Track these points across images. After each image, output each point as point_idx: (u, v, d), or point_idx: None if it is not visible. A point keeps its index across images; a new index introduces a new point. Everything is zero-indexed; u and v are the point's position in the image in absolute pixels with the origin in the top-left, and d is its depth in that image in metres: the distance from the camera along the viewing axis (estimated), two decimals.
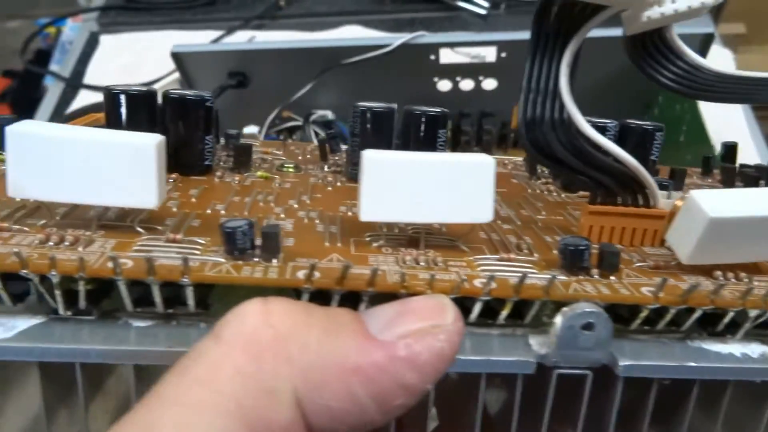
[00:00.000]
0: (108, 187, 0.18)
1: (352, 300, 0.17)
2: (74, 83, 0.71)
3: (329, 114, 0.61)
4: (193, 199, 0.22)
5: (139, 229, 0.19)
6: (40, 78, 0.78)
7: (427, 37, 0.59)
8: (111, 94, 0.24)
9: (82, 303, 0.17)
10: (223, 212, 0.21)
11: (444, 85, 0.61)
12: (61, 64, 0.75)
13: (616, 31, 0.57)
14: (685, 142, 0.61)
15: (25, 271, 0.16)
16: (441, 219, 0.19)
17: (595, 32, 0.59)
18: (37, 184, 0.17)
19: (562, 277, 0.18)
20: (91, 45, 0.75)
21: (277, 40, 0.68)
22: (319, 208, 0.22)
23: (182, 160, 0.25)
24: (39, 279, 0.16)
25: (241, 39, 0.73)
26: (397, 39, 0.58)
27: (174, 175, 0.25)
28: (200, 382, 0.14)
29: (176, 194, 0.23)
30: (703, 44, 0.56)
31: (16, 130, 0.17)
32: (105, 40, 0.76)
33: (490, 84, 0.61)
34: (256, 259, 0.17)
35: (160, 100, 0.25)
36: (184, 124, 0.24)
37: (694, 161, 0.36)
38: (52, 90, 0.71)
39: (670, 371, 0.18)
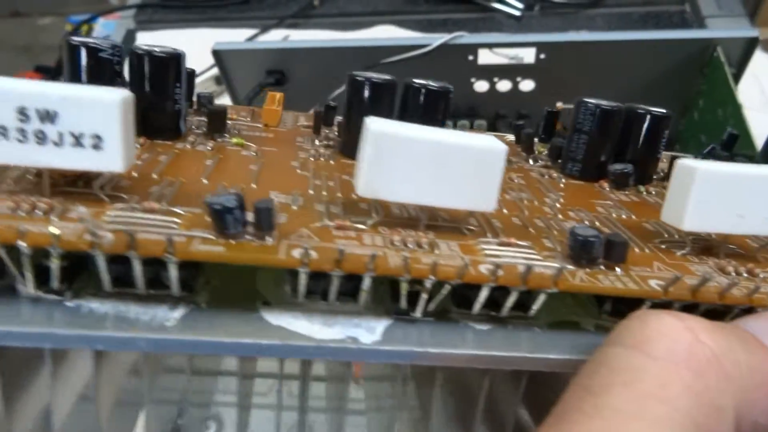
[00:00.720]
0: (452, 189, 0.17)
1: None
2: None
3: None
4: None
5: (467, 230, 0.19)
6: None
7: (466, 38, 0.59)
8: (355, 81, 0.24)
9: (432, 305, 0.17)
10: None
11: (481, 86, 0.61)
12: None
13: (657, 34, 0.58)
14: None
15: (406, 275, 0.16)
16: (758, 231, 0.19)
17: (636, 35, 0.58)
18: (389, 184, 0.17)
19: None
20: (128, 42, 0.74)
21: (315, 39, 0.67)
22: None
23: None
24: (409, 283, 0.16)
25: (276, 38, 0.73)
26: (436, 39, 0.58)
27: None
28: (655, 398, 0.14)
29: None
30: (747, 48, 0.57)
31: (377, 130, 0.17)
32: (142, 37, 0.75)
33: (527, 85, 0.61)
34: (602, 267, 0.18)
35: None
36: (427, 116, 0.24)
37: None
38: None
39: None
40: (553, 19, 0.72)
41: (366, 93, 0.23)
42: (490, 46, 0.58)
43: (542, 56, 0.58)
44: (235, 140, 0.24)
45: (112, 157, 0.15)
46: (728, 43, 0.56)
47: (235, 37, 0.71)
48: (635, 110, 0.26)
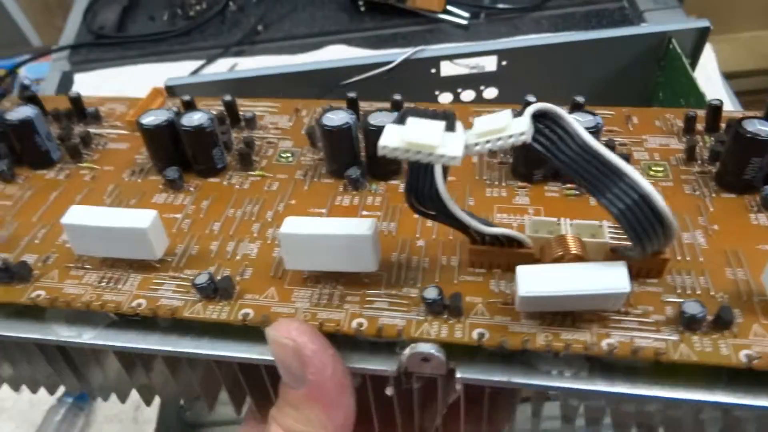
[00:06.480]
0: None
1: None
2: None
3: None
4: None
5: None
6: None
7: (428, 52, 0.57)
8: None
9: None
10: None
11: (445, 98, 0.60)
12: None
13: (614, 32, 0.58)
14: None
15: None
16: None
17: (594, 34, 0.58)
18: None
19: None
20: (65, 85, 0.71)
21: (273, 65, 0.65)
22: None
23: None
24: None
25: (222, 67, 0.71)
26: (395, 56, 0.56)
27: None
28: None
29: None
30: (699, 39, 0.56)
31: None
32: (79, 78, 0.72)
33: (491, 93, 0.60)
34: None
35: None
36: None
37: None
38: None
39: None
40: (500, 25, 0.72)
41: None
42: (451, 57, 0.57)
43: (504, 63, 0.58)
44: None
45: None
46: (681, 35, 0.55)
47: (180, 70, 0.70)
48: None
